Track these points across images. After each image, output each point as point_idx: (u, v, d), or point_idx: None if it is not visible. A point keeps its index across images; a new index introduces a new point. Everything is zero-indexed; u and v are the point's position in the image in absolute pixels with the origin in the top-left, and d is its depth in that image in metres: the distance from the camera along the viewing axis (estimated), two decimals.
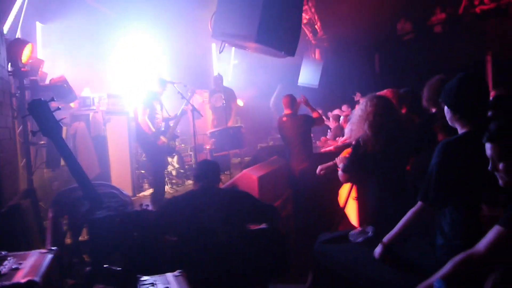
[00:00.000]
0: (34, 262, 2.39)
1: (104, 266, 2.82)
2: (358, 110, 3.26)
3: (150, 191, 6.21)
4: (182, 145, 7.91)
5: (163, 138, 5.65)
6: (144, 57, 8.49)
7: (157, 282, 2.41)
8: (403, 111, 4.16)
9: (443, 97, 2.37)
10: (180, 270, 2.59)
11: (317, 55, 10.73)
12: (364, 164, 3.15)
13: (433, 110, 3.39)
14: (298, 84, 9.51)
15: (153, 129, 5.60)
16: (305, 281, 3.09)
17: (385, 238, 2.44)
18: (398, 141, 3.10)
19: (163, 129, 5.82)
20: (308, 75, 9.85)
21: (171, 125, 5.93)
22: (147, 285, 2.37)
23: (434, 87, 3.32)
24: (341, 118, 7.86)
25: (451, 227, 2.24)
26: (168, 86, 5.92)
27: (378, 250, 2.48)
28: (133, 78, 8.00)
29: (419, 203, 2.30)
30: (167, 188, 6.74)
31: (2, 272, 2.20)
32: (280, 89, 9.16)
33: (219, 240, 3.03)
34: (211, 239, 3.04)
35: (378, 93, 3.69)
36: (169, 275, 2.54)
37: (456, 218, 2.23)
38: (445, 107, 2.37)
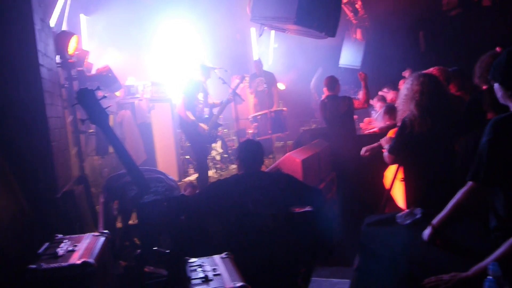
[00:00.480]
0: (88, 244, 2.49)
1: (154, 248, 2.90)
2: (403, 89, 3.16)
3: (196, 176, 6.31)
4: (225, 130, 7.98)
5: (203, 126, 5.68)
6: (184, 44, 8.58)
7: (204, 264, 2.46)
8: (452, 89, 4.00)
9: (492, 74, 2.23)
10: (227, 252, 2.64)
11: (358, 35, 10.44)
12: (410, 144, 3.06)
13: (484, 87, 3.23)
14: (339, 65, 9.32)
15: (193, 118, 5.63)
16: (350, 264, 3.06)
17: (435, 220, 2.36)
18: (446, 120, 2.98)
19: (206, 116, 5.86)
20: (350, 56, 9.63)
21: (215, 113, 5.96)
22: (195, 267, 2.42)
23: (485, 63, 3.15)
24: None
25: (505, 209, 2.14)
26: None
27: (427, 232, 2.40)
28: (174, 65, 8.11)
29: (469, 183, 2.20)
30: (211, 173, 6.83)
31: (59, 253, 2.31)
32: (320, 71, 9.01)
33: (264, 223, 3.05)
34: (256, 222, 3.06)
35: (424, 72, 3.56)
36: (216, 257, 2.59)
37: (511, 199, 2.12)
38: (496, 84, 2.24)
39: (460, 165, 2.96)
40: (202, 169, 5.85)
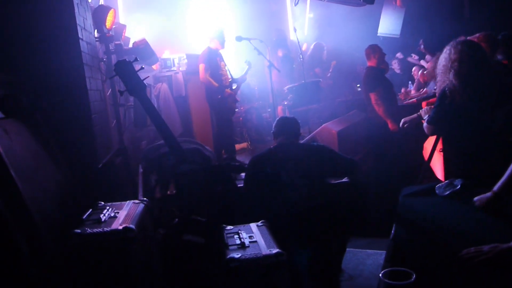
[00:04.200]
0: (129, 211, 2.59)
1: (191, 217, 2.98)
2: (441, 58, 3.03)
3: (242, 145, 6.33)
4: (260, 101, 7.96)
5: (228, 90, 5.64)
6: (217, 15, 8.52)
7: (241, 231, 2.51)
8: (499, 57, 3.81)
9: None
10: (263, 221, 2.67)
11: (398, 2, 10.04)
12: (450, 115, 2.96)
13: None
14: (378, 34, 9.02)
15: (216, 84, 5.58)
16: (386, 235, 3.04)
17: (496, 187, 2.28)
18: (489, 89, 2.85)
19: (234, 87, 5.85)
20: (389, 24, 9.27)
21: (234, 88, 5.92)
22: (232, 234, 2.47)
23: None
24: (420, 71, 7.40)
25: None
26: (245, 43, 5.87)
27: (485, 198, 2.32)
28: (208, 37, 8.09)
29: None
30: (246, 145, 6.87)
31: (102, 219, 2.41)
32: (314, 46, 8.66)
33: (300, 194, 3.06)
34: (291, 192, 3.07)
35: (469, 38, 3.40)
36: (253, 225, 2.63)
37: None
38: None
39: (503, 134, 2.85)
40: (224, 140, 5.84)
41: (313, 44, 8.31)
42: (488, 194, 2.30)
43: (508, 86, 2.98)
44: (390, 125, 5.07)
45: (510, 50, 3.92)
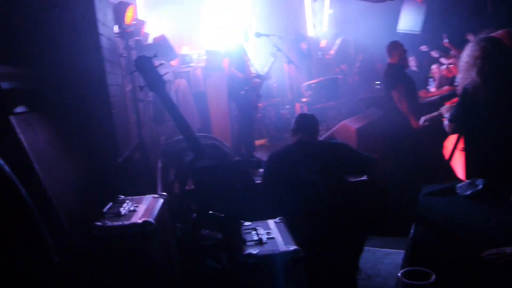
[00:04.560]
0: (148, 205, 2.62)
1: (209, 212, 2.99)
2: (464, 55, 2.98)
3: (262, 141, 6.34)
4: (279, 98, 7.95)
5: (257, 80, 5.64)
6: (236, 11, 8.51)
7: (259, 227, 2.51)
8: None
9: None
10: (280, 217, 2.67)
11: None
12: (472, 113, 2.91)
13: None
14: (398, 30, 8.90)
15: (242, 75, 5.57)
16: (405, 234, 3.00)
17: None
18: None
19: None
20: (409, 20, 9.13)
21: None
22: (250, 230, 2.48)
23: None
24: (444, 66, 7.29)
25: None
26: (264, 40, 5.86)
27: None
28: (226, 33, 8.11)
29: None
30: (265, 141, 6.87)
31: (122, 213, 2.45)
32: (341, 41, 8.53)
33: (317, 191, 3.04)
34: (309, 189, 3.06)
35: (491, 35, 3.33)
36: (270, 221, 2.63)
37: None
38: None
39: None
40: (243, 137, 5.84)
41: (340, 39, 8.20)
42: None
43: None
44: (413, 123, 5.00)
45: None
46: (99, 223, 2.27)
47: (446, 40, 6.14)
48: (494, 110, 2.83)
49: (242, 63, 5.66)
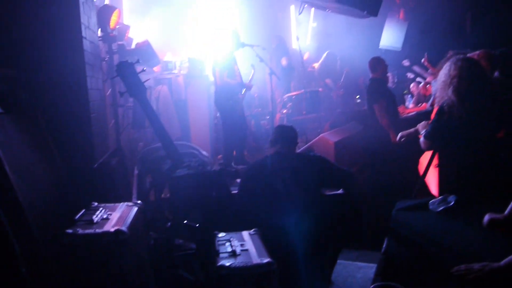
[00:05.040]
0: (122, 213, 2.59)
1: (184, 222, 2.97)
2: (441, 74, 3.06)
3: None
4: (259, 109, 7.97)
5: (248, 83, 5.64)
6: (221, 20, 8.55)
7: (233, 239, 2.50)
8: (498, 74, 3.83)
9: None
10: (255, 229, 2.67)
11: (401, 15, 10.09)
12: (448, 131, 2.97)
13: None
14: (380, 47, 9.06)
15: (235, 82, 5.57)
16: (378, 248, 3.04)
17: (507, 211, 2.25)
18: (487, 107, 2.87)
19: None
20: (391, 37, 9.32)
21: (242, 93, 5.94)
22: (224, 241, 2.47)
23: None
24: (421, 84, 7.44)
25: None
26: (247, 50, 5.86)
27: (496, 219, 2.29)
28: (211, 42, 8.12)
29: None
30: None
31: (95, 220, 2.41)
32: (327, 55, 8.64)
33: (294, 204, 3.06)
34: (286, 202, 3.07)
35: (469, 55, 3.42)
36: (245, 233, 2.63)
37: None
38: None
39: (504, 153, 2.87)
40: (227, 146, 5.81)
41: (325, 53, 8.28)
42: (499, 216, 2.28)
43: (507, 104, 3.00)
44: (392, 137, 5.08)
45: (508, 67, 3.94)
46: (70, 231, 2.23)
47: (425, 59, 6.27)
48: (468, 128, 2.90)
49: (233, 72, 5.65)
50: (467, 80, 2.85)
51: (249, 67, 6.20)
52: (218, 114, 6.74)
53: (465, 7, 9.94)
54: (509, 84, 3.73)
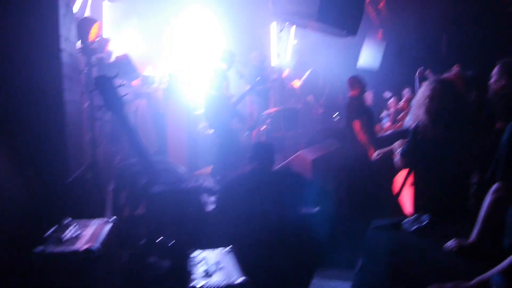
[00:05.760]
0: (94, 230, 2.54)
1: (159, 239, 2.93)
2: (418, 94, 3.14)
3: (206, 169, 6.30)
4: (238, 125, 7.97)
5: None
6: (203, 36, 8.59)
7: (208, 257, 2.48)
8: (471, 95, 3.94)
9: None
10: (231, 246, 2.66)
11: (379, 36, 10.32)
12: (422, 150, 3.04)
13: (499, 93, 3.18)
14: (358, 66, 9.22)
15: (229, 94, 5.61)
16: (352, 266, 3.05)
17: (473, 236, 2.28)
18: (460, 126, 2.95)
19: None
20: (369, 56, 9.51)
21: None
22: (199, 259, 2.45)
23: (507, 69, 3.10)
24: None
25: None
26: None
27: (463, 244, 2.32)
28: (193, 58, 8.14)
29: (496, 185, 2.16)
30: None
31: (65, 238, 2.35)
32: (310, 73, 8.78)
33: (270, 221, 3.06)
34: (262, 219, 3.07)
35: (444, 76, 3.51)
36: (220, 250, 2.61)
37: None
38: None
39: (474, 172, 2.93)
40: (221, 159, 5.79)
41: (309, 71, 8.38)
42: (465, 242, 2.31)
43: (480, 124, 3.09)
44: (371, 154, 5.14)
45: (481, 89, 4.06)
46: (38, 249, 2.17)
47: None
48: (441, 148, 2.97)
49: (221, 88, 5.67)
50: (439, 100, 2.94)
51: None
52: (207, 130, 6.67)
53: (440, 29, 10.27)
54: (483, 104, 3.85)
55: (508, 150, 2.10)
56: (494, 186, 2.15)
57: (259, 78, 6.01)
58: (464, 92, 3.63)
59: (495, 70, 3.18)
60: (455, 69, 4.40)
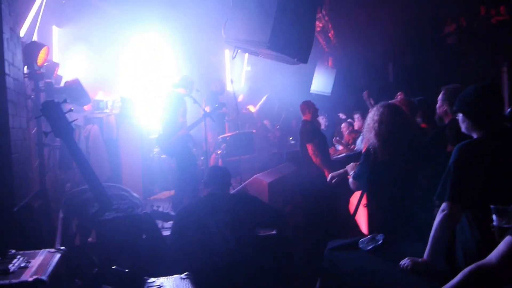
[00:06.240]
0: (42, 261, 2.41)
1: (112, 267, 2.83)
2: (367, 118, 3.26)
3: (161, 194, 6.18)
4: (194, 149, 7.92)
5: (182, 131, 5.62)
6: (156, 61, 8.56)
7: (164, 285, 2.41)
8: (417, 120, 4.13)
9: (459, 106, 2.35)
10: (187, 273, 2.59)
11: (330, 63, 10.70)
12: (373, 171, 3.13)
13: (447, 120, 3.37)
14: (311, 91, 9.48)
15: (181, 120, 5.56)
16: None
17: (425, 255, 2.36)
18: (408, 149, 3.07)
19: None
20: (321, 82, 9.82)
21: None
22: (154, 287, 2.37)
23: (448, 96, 3.30)
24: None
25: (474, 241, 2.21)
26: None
27: (415, 262, 2.38)
28: (145, 82, 8.07)
29: (443, 205, 2.25)
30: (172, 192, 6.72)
31: (11, 270, 2.22)
32: (267, 99, 9.00)
33: (227, 245, 3.03)
34: (219, 243, 3.03)
35: (391, 101, 3.67)
36: (176, 278, 2.54)
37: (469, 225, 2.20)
38: (460, 115, 2.35)
39: (423, 194, 3.04)
40: (181, 185, 5.70)
41: (265, 96, 8.54)
42: (419, 260, 2.38)
43: (426, 149, 3.23)
44: (327, 175, 5.24)
45: (427, 114, 4.27)
46: None
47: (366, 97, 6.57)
48: (390, 169, 3.08)
49: (177, 117, 5.61)
50: (387, 125, 3.06)
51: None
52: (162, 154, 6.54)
53: (386, 58, 10.83)
54: (427, 129, 4.04)
55: (454, 171, 2.21)
56: (442, 206, 2.24)
57: (217, 105, 6.03)
58: (410, 116, 3.80)
59: (440, 96, 3.38)
60: (399, 95, 4.63)
